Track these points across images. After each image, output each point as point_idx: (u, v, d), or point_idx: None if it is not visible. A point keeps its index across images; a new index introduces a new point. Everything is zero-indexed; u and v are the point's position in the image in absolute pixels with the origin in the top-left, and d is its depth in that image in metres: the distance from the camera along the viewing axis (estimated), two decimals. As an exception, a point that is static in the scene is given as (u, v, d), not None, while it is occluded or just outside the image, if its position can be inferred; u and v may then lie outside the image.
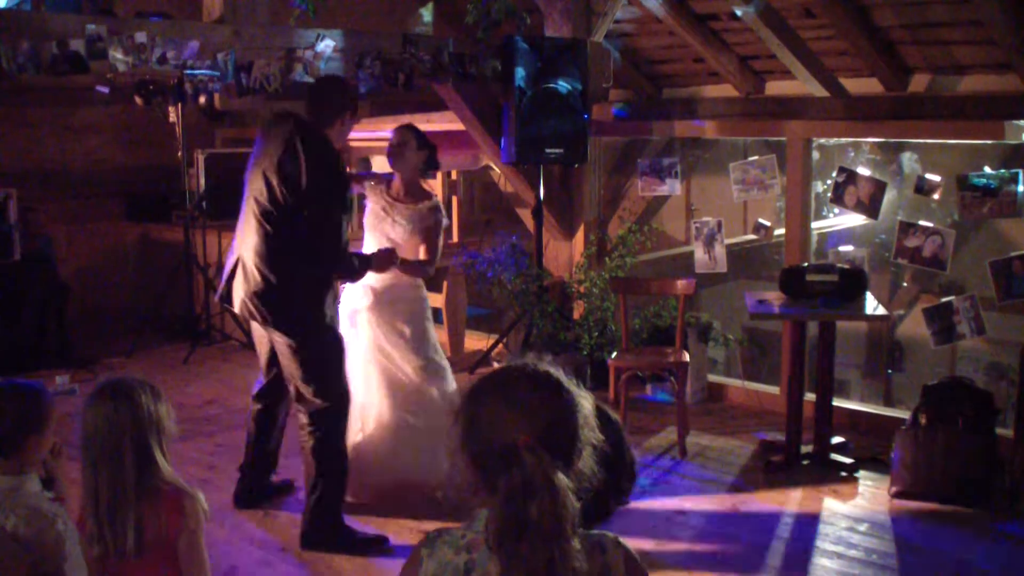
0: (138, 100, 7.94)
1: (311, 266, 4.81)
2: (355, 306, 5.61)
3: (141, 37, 5.37)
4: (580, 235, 7.92)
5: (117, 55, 5.30)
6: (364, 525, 5.12)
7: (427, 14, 8.03)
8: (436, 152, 5.76)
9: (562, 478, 1.96)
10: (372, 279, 5.47)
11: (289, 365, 4.90)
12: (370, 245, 5.62)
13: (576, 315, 7.52)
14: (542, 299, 7.23)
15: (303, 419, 4.92)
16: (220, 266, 8.87)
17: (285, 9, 6.57)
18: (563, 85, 7.04)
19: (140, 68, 5.50)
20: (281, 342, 4.87)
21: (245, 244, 4.88)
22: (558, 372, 2.09)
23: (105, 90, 7.53)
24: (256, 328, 5.14)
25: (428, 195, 5.72)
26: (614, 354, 6.54)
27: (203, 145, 9.61)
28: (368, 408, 5.54)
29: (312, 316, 4.84)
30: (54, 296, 8.42)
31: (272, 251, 4.78)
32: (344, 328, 5.31)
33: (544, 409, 2.03)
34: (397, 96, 7.10)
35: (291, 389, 5.01)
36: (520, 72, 6.90)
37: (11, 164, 8.97)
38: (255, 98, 6.11)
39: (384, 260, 5.28)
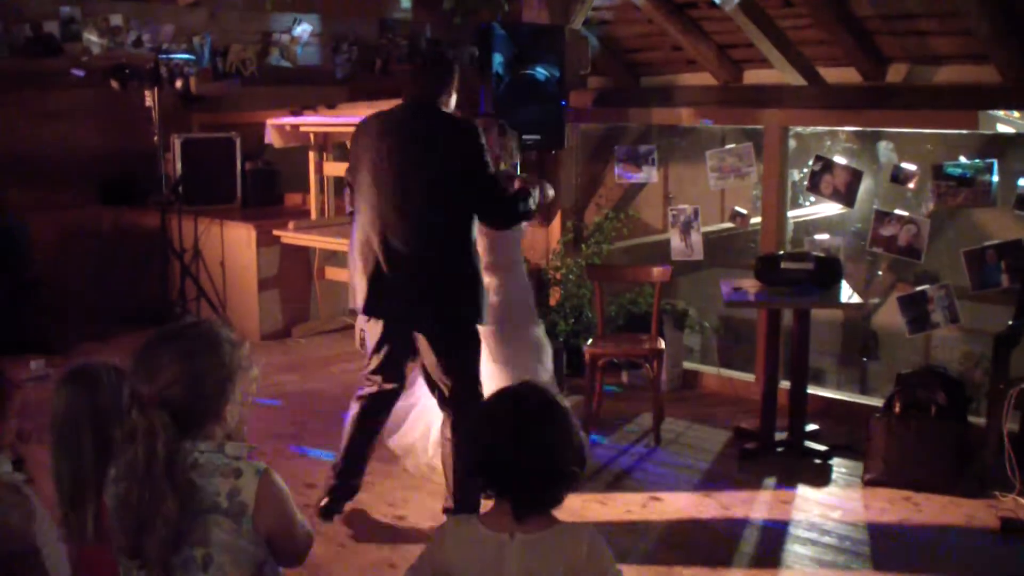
0: (114, 84, 7.87)
1: (497, 222, 4.84)
2: None
3: (116, 19, 5.34)
4: (557, 222, 7.92)
5: (92, 37, 5.27)
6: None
7: (405, 0, 8.00)
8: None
9: (165, 431, 2.36)
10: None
11: (444, 355, 4.78)
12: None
13: (552, 302, 7.52)
14: (519, 286, 7.21)
15: (450, 421, 4.85)
16: (196, 251, 8.88)
17: (262, -7, 6.53)
18: (541, 72, 7.02)
19: (115, 51, 5.47)
20: (445, 334, 4.78)
21: (393, 243, 4.65)
22: (219, 333, 2.51)
23: (81, 73, 7.48)
24: (385, 328, 4.91)
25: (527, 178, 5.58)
26: (590, 341, 6.54)
27: (179, 130, 9.55)
28: None
29: (475, 313, 4.78)
30: (26, 281, 8.35)
31: (445, 244, 4.67)
32: None
33: (171, 368, 2.42)
34: (374, 82, 7.07)
35: (442, 389, 4.85)
36: (497, 58, 6.88)
37: (-18, 149, 8.90)
38: (231, 82, 6.08)
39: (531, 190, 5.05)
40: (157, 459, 2.37)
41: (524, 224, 5.46)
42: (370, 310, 4.79)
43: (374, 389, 5.01)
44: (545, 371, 5.80)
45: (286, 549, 2.57)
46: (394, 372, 4.99)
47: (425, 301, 4.69)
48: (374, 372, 4.99)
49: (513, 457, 2.43)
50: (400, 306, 4.73)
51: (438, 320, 4.76)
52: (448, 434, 4.88)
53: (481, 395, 4.81)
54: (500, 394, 2.60)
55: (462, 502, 4.87)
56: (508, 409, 2.51)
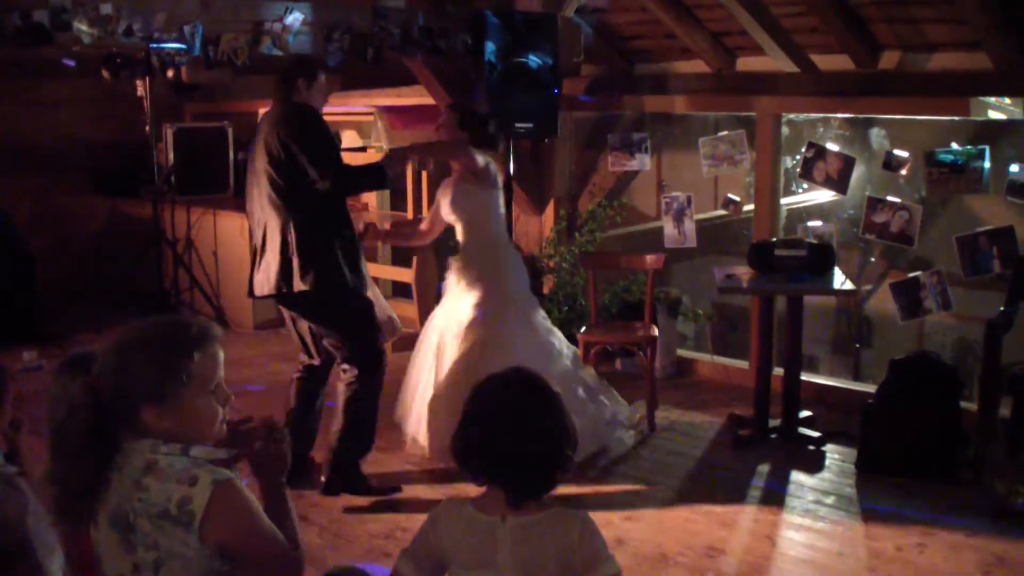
0: (105, 74, 7.85)
1: (323, 184, 5.03)
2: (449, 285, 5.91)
3: (106, 8, 5.31)
4: (550, 210, 7.92)
5: (82, 26, 5.24)
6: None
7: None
8: (485, 126, 5.89)
9: (82, 411, 2.45)
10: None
11: (319, 324, 5.28)
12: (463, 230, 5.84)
13: (546, 290, 7.52)
14: (512, 274, 7.21)
15: (343, 374, 5.27)
16: (189, 241, 8.88)
17: (253, -19, 6.51)
18: (534, 60, 7.01)
19: (106, 40, 5.45)
20: (307, 306, 5.20)
21: (261, 229, 5.19)
22: (161, 337, 2.51)
23: (72, 63, 7.45)
24: (289, 313, 5.43)
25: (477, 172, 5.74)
26: (583, 329, 6.55)
27: (172, 119, 9.53)
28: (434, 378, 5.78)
29: (334, 280, 5.11)
30: (19, 272, 8.33)
31: (291, 225, 5.06)
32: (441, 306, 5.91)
33: (104, 358, 2.47)
34: (367, 70, 7.05)
35: (324, 347, 5.35)
36: (490, 46, 6.86)
37: (-26, 139, 8.88)
38: (223, 71, 6.06)
39: (393, 160, 5.58)
40: (73, 434, 2.45)
41: (500, 207, 5.89)
42: (250, 292, 5.35)
43: (301, 366, 5.54)
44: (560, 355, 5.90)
45: (256, 567, 2.46)
46: (306, 348, 5.49)
47: (277, 277, 5.11)
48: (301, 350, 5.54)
49: (510, 444, 2.44)
50: (264, 285, 5.20)
51: (291, 292, 5.13)
52: (348, 386, 5.25)
53: (372, 347, 5.23)
54: (492, 380, 2.58)
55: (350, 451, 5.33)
56: (503, 395, 2.51)
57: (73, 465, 2.54)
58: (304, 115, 5.16)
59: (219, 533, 2.37)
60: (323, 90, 5.42)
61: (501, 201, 6.00)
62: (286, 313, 5.48)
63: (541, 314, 6.00)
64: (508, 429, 2.45)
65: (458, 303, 5.81)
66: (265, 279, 5.16)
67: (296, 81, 5.26)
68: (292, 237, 5.05)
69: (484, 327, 5.68)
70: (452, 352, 5.73)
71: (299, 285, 5.06)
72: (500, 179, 5.90)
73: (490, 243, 5.87)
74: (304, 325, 5.42)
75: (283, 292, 5.13)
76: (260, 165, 5.14)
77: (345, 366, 5.26)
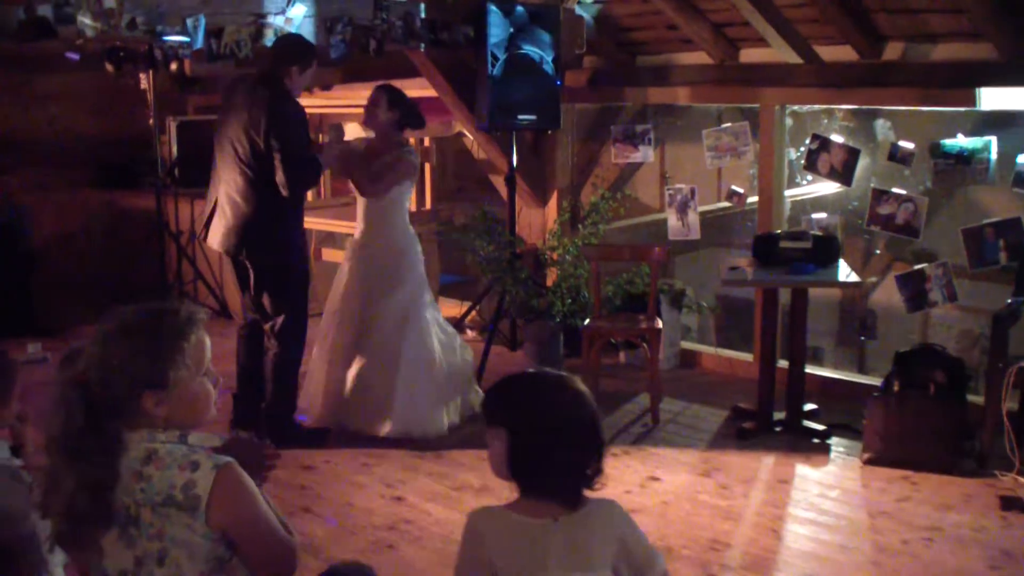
0: (108, 67, 7.83)
1: (286, 188, 5.45)
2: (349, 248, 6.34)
3: (109, 2, 5.30)
4: (553, 202, 7.91)
5: (85, 20, 5.24)
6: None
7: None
8: (414, 109, 6.16)
9: (75, 409, 2.40)
10: (356, 231, 6.23)
11: (260, 285, 5.68)
12: (357, 208, 6.22)
13: (549, 282, 7.51)
14: (515, 266, 7.21)
15: (269, 332, 5.73)
16: (192, 233, 8.86)
17: (255, -26, 6.50)
18: (536, 51, 7.00)
19: (109, 34, 5.45)
20: (255, 267, 5.65)
21: (223, 187, 5.61)
22: (147, 324, 2.50)
23: (75, 57, 7.44)
24: (236, 264, 5.84)
25: (398, 143, 6.08)
26: (587, 321, 6.54)
27: (175, 112, 9.52)
28: (337, 345, 6.16)
29: (282, 243, 5.64)
30: (22, 265, 8.33)
31: (251, 190, 5.50)
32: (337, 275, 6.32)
33: (89, 351, 2.46)
34: (369, 62, 7.03)
35: (261, 305, 5.75)
36: (492, 38, 6.86)
37: (-23, 133, 8.87)
38: (226, 64, 6.05)
39: (328, 148, 5.94)
40: (74, 435, 2.39)
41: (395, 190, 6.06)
42: (203, 237, 5.84)
43: (245, 322, 6.02)
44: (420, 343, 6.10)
45: (255, 554, 2.47)
46: (249, 303, 5.90)
47: (230, 239, 5.61)
48: None
49: (577, 450, 2.44)
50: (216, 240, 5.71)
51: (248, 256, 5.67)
52: (273, 347, 5.74)
53: (294, 325, 5.72)
54: (536, 387, 2.52)
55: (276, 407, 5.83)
56: (549, 407, 2.45)
57: (80, 467, 2.47)
58: (290, 116, 5.50)
59: (224, 516, 2.39)
60: (309, 79, 5.75)
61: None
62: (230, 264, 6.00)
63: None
64: (573, 437, 2.43)
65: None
66: (218, 236, 5.64)
67: (291, 65, 5.54)
68: (248, 206, 5.52)
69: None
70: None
71: (248, 253, 5.61)
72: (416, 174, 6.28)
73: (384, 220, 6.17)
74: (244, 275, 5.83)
75: (232, 254, 5.70)
76: (234, 133, 5.50)
77: (273, 334, 5.71)
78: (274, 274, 5.68)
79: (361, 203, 6.14)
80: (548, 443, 2.41)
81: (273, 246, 5.63)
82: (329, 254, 8.77)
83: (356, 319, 6.11)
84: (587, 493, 2.49)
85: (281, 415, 5.83)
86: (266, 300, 5.71)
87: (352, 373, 6.06)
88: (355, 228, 6.28)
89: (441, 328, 6.28)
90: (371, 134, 6.27)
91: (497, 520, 2.45)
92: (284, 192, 5.46)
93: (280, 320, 5.69)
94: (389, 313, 6.05)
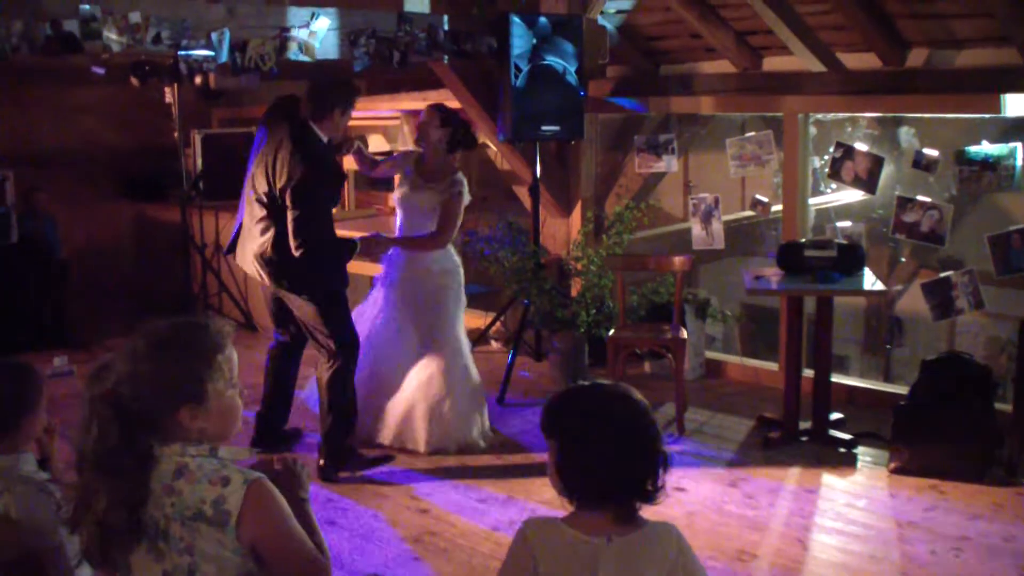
0: (134, 81, 7.90)
1: (296, 252, 5.26)
2: (384, 279, 6.20)
3: (135, 17, 5.34)
4: (577, 212, 7.91)
5: (111, 35, 5.27)
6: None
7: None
8: (467, 129, 6.15)
9: (109, 426, 2.38)
10: (397, 260, 6.08)
11: (301, 315, 5.51)
12: (402, 224, 6.11)
13: (573, 292, 7.51)
14: (539, 277, 7.21)
15: (321, 359, 5.54)
16: (218, 246, 8.91)
17: (279, -12, 6.53)
18: (559, 62, 7.01)
19: (134, 48, 5.48)
20: (291, 297, 5.47)
21: (248, 211, 5.49)
22: (179, 338, 2.49)
23: (101, 71, 7.51)
24: (264, 287, 5.70)
25: (453, 171, 6.04)
26: (612, 331, 6.53)
27: (199, 125, 9.57)
28: (377, 367, 6.03)
29: (308, 279, 5.40)
30: (51, 278, 8.41)
31: (268, 229, 5.36)
32: (373, 293, 6.26)
33: (120, 367, 2.43)
34: (393, 75, 7.06)
35: (308, 334, 5.59)
36: (516, 49, 6.87)
37: (6, 145, 8.92)
38: (250, 77, 6.09)
39: (370, 245, 5.76)
40: (107, 452, 2.38)
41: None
42: (229, 251, 5.77)
43: (275, 342, 5.99)
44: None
45: (284, 571, 2.46)
46: (278, 323, 5.89)
47: (261, 269, 5.45)
48: None
49: (628, 462, 2.37)
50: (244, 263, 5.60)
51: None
52: (328, 373, 5.54)
53: (350, 334, 5.57)
54: (583, 399, 2.48)
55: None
56: (600, 415, 2.41)
57: (113, 483, 2.45)
58: (318, 180, 5.28)
59: (254, 532, 2.38)
60: (349, 118, 5.61)
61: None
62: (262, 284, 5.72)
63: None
64: (610, 448, 2.36)
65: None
66: (247, 259, 5.52)
67: (333, 110, 5.42)
68: (265, 239, 5.36)
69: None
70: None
71: (274, 282, 5.44)
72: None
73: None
74: (277, 300, 5.70)
75: (259, 279, 5.54)
76: (257, 167, 5.42)
77: (324, 354, 5.52)
78: (311, 305, 5.46)
79: (415, 225, 6.05)
80: (594, 453, 2.37)
81: (293, 281, 5.43)
82: (351, 266, 8.75)
83: (401, 340, 6.05)
84: (646, 514, 2.44)
85: (339, 441, 5.60)
86: (310, 330, 5.54)
87: (394, 391, 6.02)
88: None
89: (467, 340, 6.29)
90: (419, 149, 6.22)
91: (549, 531, 2.40)
92: (295, 254, 5.24)
93: (329, 347, 5.49)
94: (432, 333, 6.04)
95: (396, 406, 6.00)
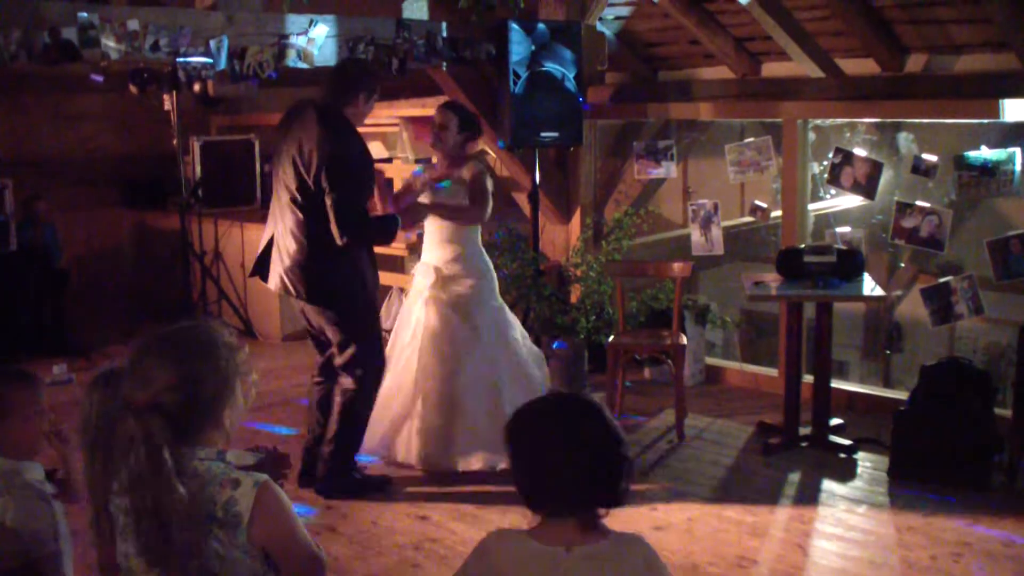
0: (132, 88, 7.90)
1: (340, 240, 5.05)
2: (419, 287, 5.94)
3: (133, 24, 5.34)
4: (576, 219, 7.91)
5: (109, 43, 5.27)
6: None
7: (421, -2, 7.99)
8: (476, 120, 5.99)
9: (163, 436, 2.32)
10: (435, 261, 5.86)
11: (328, 333, 5.31)
12: (430, 229, 5.92)
13: (573, 299, 7.51)
14: (539, 283, 7.21)
15: (341, 379, 5.33)
16: (216, 253, 8.92)
17: (277, -5, 6.54)
18: (558, 68, 7.02)
19: (133, 56, 5.48)
20: (317, 313, 5.27)
21: (280, 225, 5.23)
22: (215, 337, 2.47)
23: (100, 79, 7.50)
24: (298, 305, 5.43)
25: (467, 157, 5.90)
26: (611, 337, 6.53)
27: (198, 132, 9.58)
28: (418, 384, 5.81)
29: (345, 290, 5.21)
30: (51, 285, 8.41)
31: (305, 232, 5.11)
32: (407, 304, 6.02)
33: (164, 373, 2.36)
34: (391, 81, 7.07)
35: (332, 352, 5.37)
36: (514, 55, 6.87)
37: (5, 152, 8.93)
38: (249, 85, 6.09)
39: (410, 214, 5.66)
40: (165, 464, 2.32)
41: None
42: (255, 274, 5.53)
43: (317, 369, 5.62)
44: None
45: (291, 569, 2.47)
46: (317, 343, 5.56)
47: (289, 280, 5.21)
48: None
49: (568, 469, 2.30)
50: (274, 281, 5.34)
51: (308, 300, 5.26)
52: (345, 392, 5.34)
53: (378, 356, 5.41)
54: (531, 409, 2.44)
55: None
56: (550, 420, 2.37)
57: (108, 479, 2.48)
58: (348, 159, 5.08)
59: (265, 532, 2.40)
60: (373, 106, 5.43)
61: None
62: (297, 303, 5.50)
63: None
64: (576, 454, 2.29)
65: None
66: (275, 277, 5.28)
67: (358, 94, 5.23)
68: (299, 248, 5.12)
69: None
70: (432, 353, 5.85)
71: (308, 294, 5.20)
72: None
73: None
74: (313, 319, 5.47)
75: (291, 294, 5.28)
76: (284, 168, 5.16)
77: (344, 371, 5.32)
78: (339, 323, 5.25)
79: (444, 227, 5.86)
80: (545, 461, 2.33)
81: (330, 293, 5.20)
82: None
83: (439, 355, 5.81)
84: (612, 523, 2.39)
85: (343, 462, 5.43)
86: (335, 350, 5.33)
87: (441, 410, 5.77)
88: (428, 253, 5.95)
89: (524, 338, 6.10)
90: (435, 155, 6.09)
91: (509, 541, 2.39)
92: (339, 243, 5.04)
93: (350, 352, 5.27)
94: (479, 344, 5.82)
95: (441, 422, 5.76)
